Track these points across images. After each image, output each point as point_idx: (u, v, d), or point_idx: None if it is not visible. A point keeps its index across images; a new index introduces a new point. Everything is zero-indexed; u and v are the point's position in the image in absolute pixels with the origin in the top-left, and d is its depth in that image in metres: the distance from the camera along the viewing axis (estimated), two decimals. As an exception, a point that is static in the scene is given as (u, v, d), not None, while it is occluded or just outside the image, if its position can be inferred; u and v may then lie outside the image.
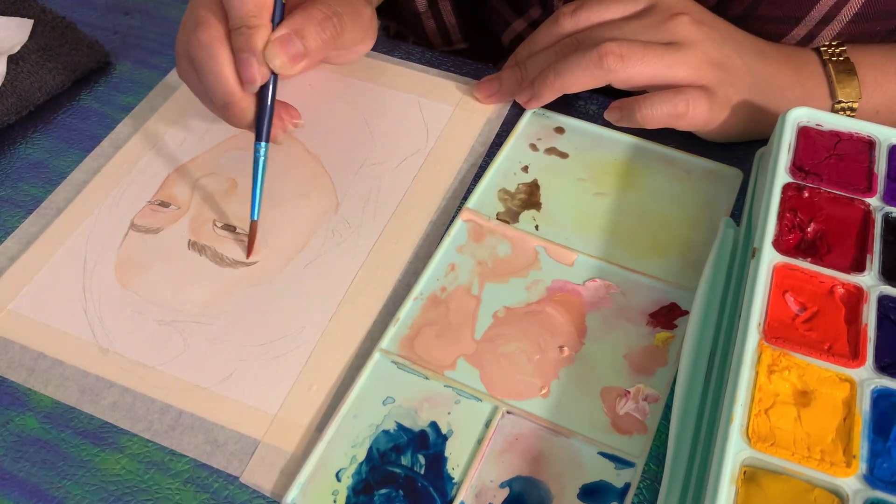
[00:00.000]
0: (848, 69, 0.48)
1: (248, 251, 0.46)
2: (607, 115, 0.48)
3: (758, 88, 0.47)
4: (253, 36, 0.42)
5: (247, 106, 0.44)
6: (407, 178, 0.49)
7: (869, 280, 0.38)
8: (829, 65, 0.48)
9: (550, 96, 0.48)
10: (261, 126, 0.45)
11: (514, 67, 0.51)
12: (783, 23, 0.49)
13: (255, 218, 0.46)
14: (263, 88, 0.44)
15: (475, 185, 0.48)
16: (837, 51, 0.49)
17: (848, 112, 0.48)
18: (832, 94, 0.48)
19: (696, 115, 0.45)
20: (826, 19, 0.48)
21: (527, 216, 0.47)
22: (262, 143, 0.45)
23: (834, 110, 0.48)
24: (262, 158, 0.45)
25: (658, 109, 0.45)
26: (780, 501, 0.33)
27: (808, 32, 0.49)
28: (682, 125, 0.46)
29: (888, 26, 0.49)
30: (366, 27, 0.48)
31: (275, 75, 0.44)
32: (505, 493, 0.37)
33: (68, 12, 0.59)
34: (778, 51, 0.49)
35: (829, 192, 0.42)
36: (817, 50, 0.49)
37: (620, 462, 0.38)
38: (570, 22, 0.49)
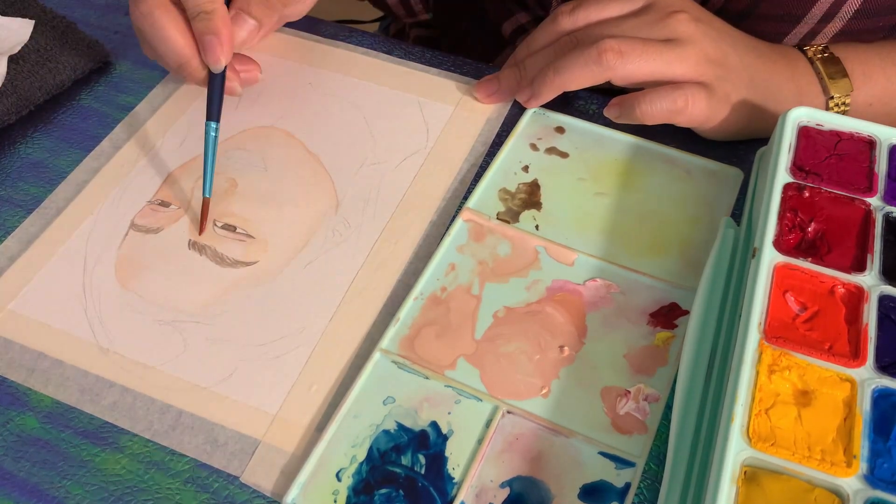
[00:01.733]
0: (835, 64, 0.48)
1: (200, 229, 0.47)
2: (607, 112, 0.48)
3: (755, 86, 0.47)
4: (212, 19, 0.45)
5: (197, 64, 0.47)
6: (407, 178, 0.49)
7: (869, 280, 0.38)
8: (817, 62, 0.48)
9: (550, 94, 0.48)
10: (211, 106, 0.48)
11: (513, 67, 0.51)
12: (785, 21, 0.49)
13: (208, 195, 0.47)
14: (211, 91, 0.48)
15: (475, 185, 0.48)
16: (820, 48, 0.49)
17: (842, 107, 0.48)
18: (825, 91, 0.48)
19: (695, 110, 0.45)
20: (828, 16, 0.48)
21: (527, 216, 0.47)
22: (213, 123, 0.47)
23: (828, 107, 0.48)
24: (212, 136, 0.47)
25: (657, 105, 0.45)
26: (781, 501, 0.33)
27: (811, 30, 0.49)
28: (681, 121, 0.46)
29: (891, 21, 0.49)
30: None
31: (221, 78, 0.48)
32: (505, 492, 0.37)
33: (68, 12, 0.59)
34: (772, 49, 0.49)
35: (829, 192, 0.42)
36: (800, 49, 0.49)
37: (621, 462, 0.38)
38: (569, 20, 0.49)
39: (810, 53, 0.49)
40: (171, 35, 0.46)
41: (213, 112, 0.47)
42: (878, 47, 0.49)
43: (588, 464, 0.38)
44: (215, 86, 0.47)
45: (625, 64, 0.45)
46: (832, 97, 0.48)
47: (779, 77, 0.48)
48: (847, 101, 0.48)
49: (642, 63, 0.45)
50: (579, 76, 0.46)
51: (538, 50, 0.50)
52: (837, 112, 0.48)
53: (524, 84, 0.50)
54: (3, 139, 0.52)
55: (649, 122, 0.47)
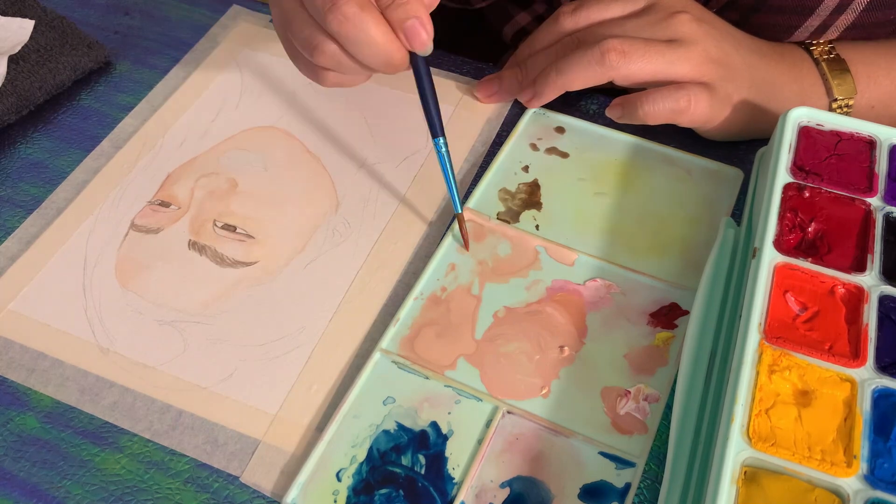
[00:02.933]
0: (840, 66, 0.48)
1: (466, 244, 0.45)
2: (609, 113, 0.48)
3: (757, 86, 0.47)
4: (410, 4, 0.41)
5: (403, 55, 0.42)
6: (407, 179, 0.49)
7: (869, 280, 0.38)
8: (822, 63, 0.48)
9: (552, 94, 0.48)
10: (432, 121, 0.44)
11: (514, 67, 0.51)
12: (796, 13, 0.49)
13: (459, 211, 0.45)
14: (420, 81, 0.44)
15: (475, 185, 0.48)
16: (827, 48, 0.49)
17: (845, 109, 0.48)
18: (828, 92, 0.48)
19: (698, 110, 0.45)
20: (840, 8, 0.48)
21: (527, 216, 0.47)
22: (441, 139, 0.44)
23: (831, 108, 0.48)
24: (444, 151, 0.44)
25: (660, 105, 0.45)
26: (781, 501, 0.32)
27: (822, 23, 0.48)
28: (683, 121, 0.46)
29: None
30: None
31: (426, 62, 0.44)
32: (505, 492, 0.37)
33: (68, 12, 0.59)
34: (774, 49, 0.49)
35: (829, 192, 0.42)
36: (807, 49, 0.49)
37: (621, 462, 0.38)
38: (571, 21, 0.49)
39: (816, 53, 0.49)
40: (378, 34, 0.41)
41: (436, 128, 0.44)
42: (883, 48, 0.49)
43: (588, 464, 0.38)
44: (427, 97, 0.44)
45: (628, 64, 0.45)
46: (835, 99, 0.48)
47: (782, 78, 0.48)
48: (850, 103, 0.48)
49: (645, 63, 0.45)
50: (582, 76, 0.46)
51: (540, 50, 0.50)
52: (840, 113, 0.48)
53: (526, 84, 0.50)
54: (3, 139, 0.52)
55: (652, 123, 0.46)
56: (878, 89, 0.49)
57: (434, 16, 0.46)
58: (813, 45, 0.49)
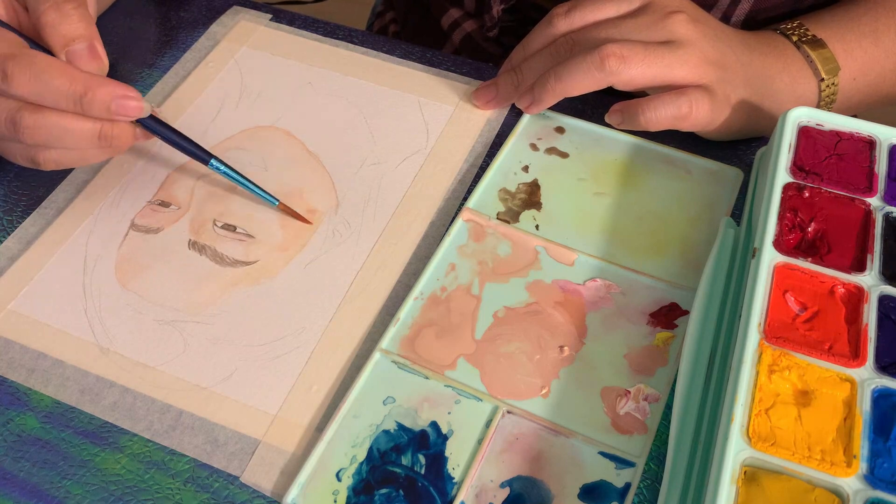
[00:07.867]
0: (820, 44, 0.49)
1: (301, 218, 0.47)
2: (609, 119, 0.48)
3: (750, 82, 0.47)
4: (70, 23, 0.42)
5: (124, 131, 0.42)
6: (407, 179, 0.49)
7: (869, 280, 0.38)
8: (804, 46, 0.49)
9: (551, 101, 0.48)
10: (193, 153, 0.45)
11: (509, 72, 0.51)
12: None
13: (276, 203, 0.47)
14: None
15: (475, 185, 0.48)
16: (802, 30, 0.50)
17: (833, 87, 0.49)
18: (815, 73, 0.49)
19: (699, 115, 0.45)
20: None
21: (527, 216, 0.47)
22: (212, 160, 0.45)
23: (821, 89, 0.49)
24: (222, 168, 0.46)
25: (662, 112, 0.45)
26: (781, 501, 0.33)
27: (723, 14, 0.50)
28: (685, 126, 0.46)
29: None
30: None
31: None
32: (505, 492, 0.37)
33: (68, 12, 0.59)
34: (759, 41, 0.49)
35: (829, 192, 0.42)
36: (784, 34, 0.50)
37: (621, 462, 0.38)
38: (565, 22, 0.49)
39: (795, 37, 0.49)
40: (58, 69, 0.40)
41: (202, 153, 0.45)
42: (843, 20, 0.50)
43: (588, 464, 0.38)
44: (175, 139, 0.45)
45: (628, 69, 0.45)
46: (823, 79, 0.48)
47: (771, 70, 0.48)
48: (836, 80, 0.49)
49: (645, 68, 0.45)
50: (581, 82, 0.46)
51: (534, 53, 0.50)
52: (828, 91, 0.49)
53: (523, 89, 0.49)
54: (3, 139, 0.52)
55: (654, 129, 0.46)
56: (855, 61, 0.49)
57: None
58: (788, 29, 0.50)
